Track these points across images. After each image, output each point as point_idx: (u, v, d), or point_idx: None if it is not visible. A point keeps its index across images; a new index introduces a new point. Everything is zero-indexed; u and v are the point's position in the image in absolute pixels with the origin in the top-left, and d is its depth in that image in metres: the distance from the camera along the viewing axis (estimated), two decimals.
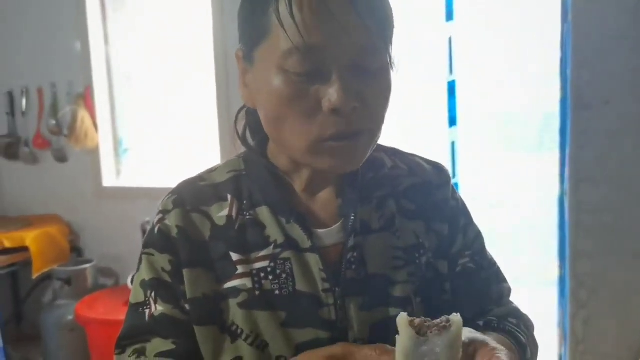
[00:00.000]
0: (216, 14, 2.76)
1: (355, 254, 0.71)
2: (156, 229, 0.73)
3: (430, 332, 0.52)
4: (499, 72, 2.60)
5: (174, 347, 0.70)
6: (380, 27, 0.63)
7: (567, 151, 2.32)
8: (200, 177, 0.77)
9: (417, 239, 0.76)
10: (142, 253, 0.74)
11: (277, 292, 0.69)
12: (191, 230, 0.72)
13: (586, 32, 2.21)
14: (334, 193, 0.75)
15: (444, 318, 0.53)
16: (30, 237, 2.86)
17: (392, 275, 0.72)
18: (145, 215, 2.97)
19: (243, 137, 0.78)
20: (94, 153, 3.10)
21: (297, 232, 0.71)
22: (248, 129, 0.79)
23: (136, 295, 0.74)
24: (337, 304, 0.70)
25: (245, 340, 0.69)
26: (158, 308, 0.72)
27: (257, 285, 0.70)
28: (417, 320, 0.52)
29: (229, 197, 0.74)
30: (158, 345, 0.71)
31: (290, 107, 0.64)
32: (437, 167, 0.83)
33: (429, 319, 0.53)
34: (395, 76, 0.68)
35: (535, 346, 0.78)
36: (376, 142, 0.69)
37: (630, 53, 2.16)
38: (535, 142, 2.56)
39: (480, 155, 2.60)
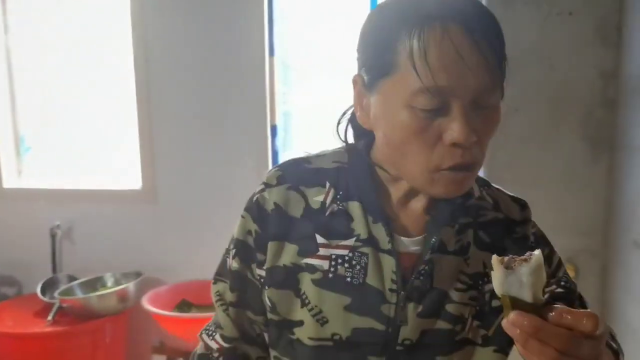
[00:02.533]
0: (135, 2, 2.63)
1: (426, 267, 0.77)
2: (255, 198, 0.83)
3: (515, 265, 0.61)
4: None
5: (235, 299, 0.85)
6: (499, 65, 0.68)
7: None
8: (307, 160, 0.84)
9: (484, 268, 0.81)
10: (241, 213, 0.84)
11: (348, 279, 0.77)
12: (286, 207, 0.80)
13: None
14: (424, 208, 0.80)
15: (527, 253, 0.62)
16: None
17: (452, 295, 0.79)
18: (54, 219, 2.79)
19: (345, 137, 0.86)
20: None
21: (380, 232, 0.78)
22: (353, 132, 0.87)
23: (229, 242, 0.87)
24: (399, 304, 0.77)
25: (310, 311, 0.78)
26: (234, 264, 0.84)
27: (332, 269, 0.78)
28: (505, 258, 0.62)
29: (328, 184, 0.81)
30: (225, 291, 0.86)
31: (414, 139, 0.69)
32: (521, 204, 0.88)
33: (517, 256, 0.62)
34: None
35: (622, 352, 0.83)
36: None
37: (537, 66, 2.38)
38: None
39: None
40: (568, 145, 2.43)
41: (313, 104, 2.75)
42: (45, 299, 2.52)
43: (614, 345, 0.81)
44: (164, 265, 2.73)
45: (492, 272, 0.63)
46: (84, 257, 2.80)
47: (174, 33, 2.65)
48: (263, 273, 0.81)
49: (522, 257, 0.61)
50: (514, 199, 0.88)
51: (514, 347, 0.84)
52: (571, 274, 2.44)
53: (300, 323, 0.79)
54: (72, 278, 2.70)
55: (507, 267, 0.61)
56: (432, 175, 0.71)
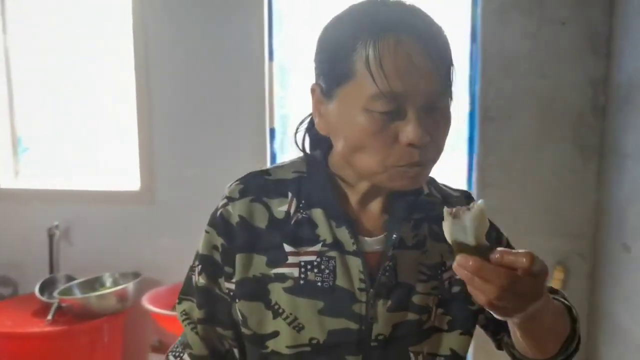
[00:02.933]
0: (136, 5, 2.65)
1: (390, 263, 0.82)
2: (218, 213, 0.84)
3: (460, 214, 0.68)
4: None
5: (203, 316, 0.86)
6: (448, 72, 0.74)
7: (474, 158, 2.57)
8: (267, 172, 0.87)
9: (441, 258, 0.86)
10: (205, 228, 0.86)
11: (319, 283, 0.80)
12: (251, 219, 0.83)
13: (492, 53, 2.47)
14: (381, 208, 0.85)
15: (472, 204, 0.69)
16: None
17: (416, 286, 0.84)
18: (52, 219, 2.80)
19: (303, 147, 0.90)
20: None
21: (344, 235, 0.81)
22: (309, 141, 0.91)
23: (193, 259, 0.88)
24: (369, 302, 0.81)
25: (285, 319, 0.80)
26: (200, 280, 0.85)
27: (302, 275, 0.80)
28: (453, 209, 0.69)
29: (290, 194, 0.84)
30: (192, 309, 0.87)
31: (372, 140, 0.74)
32: (465, 195, 0.95)
33: (463, 207, 0.69)
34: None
35: (577, 313, 0.88)
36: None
37: (530, 73, 2.45)
38: (448, 147, 2.80)
39: None
40: (559, 150, 2.50)
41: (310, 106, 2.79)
42: (44, 299, 2.53)
43: (566, 302, 0.88)
44: (161, 266, 2.75)
45: (443, 222, 0.69)
46: (82, 258, 2.82)
47: (174, 36, 2.68)
48: (232, 286, 0.83)
49: (466, 207, 0.68)
50: (458, 191, 0.95)
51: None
52: (561, 276, 2.51)
53: (275, 334, 0.81)
54: (70, 278, 2.71)
55: (455, 216, 0.69)
56: (389, 172, 0.76)
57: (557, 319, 0.80)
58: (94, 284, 2.62)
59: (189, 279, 0.89)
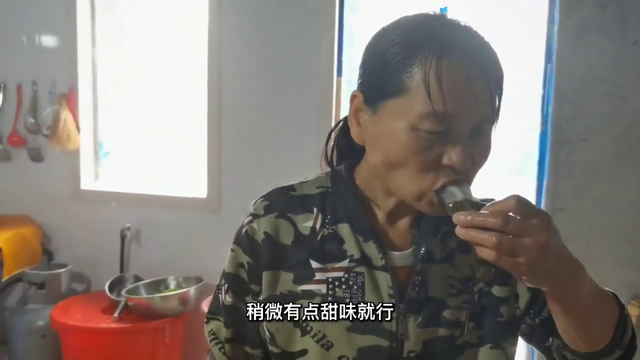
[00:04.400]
0: (213, 21, 2.77)
1: (419, 278, 0.80)
2: (244, 230, 0.84)
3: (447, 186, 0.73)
4: None
5: (231, 335, 0.85)
6: (500, 97, 0.73)
7: (544, 182, 2.47)
8: (291, 188, 0.87)
9: (471, 270, 0.84)
10: (231, 247, 0.85)
11: (347, 300, 0.79)
12: (276, 236, 0.82)
13: (568, 73, 2.37)
14: (409, 223, 0.84)
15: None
16: (2, 238, 2.77)
17: (447, 300, 0.82)
18: (125, 221, 2.94)
19: (330, 161, 0.89)
20: (73, 155, 3.04)
21: (372, 250, 0.80)
22: (336, 152, 0.89)
23: (220, 277, 0.88)
24: (399, 318, 0.79)
25: (313, 337, 0.79)
26: (227, 299, 0.85)
27: (330, 292, 0.79)
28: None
29: (315, 210, 0.84)
30: (220, 329, 0.86)
31: (414, 158, 0.72)
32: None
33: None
34: None
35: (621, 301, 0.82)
36: None
37: (608, 95, 2.34)
38: (514, 171, 2.71)
39: None
40: (637, 177, 2.36)
41: None
42: (113, 297, 2.66)
43: (609, 290, 0.82)
44: None
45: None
46: (149, 259, 2.94)
47: (246, 50, 2.77)
48: (257, 303, 0.82)
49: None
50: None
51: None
52: (636, 312, 2.35)
53: (304, 352, 0.80)
54: (137, 278, 2.84)
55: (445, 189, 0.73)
56: (424, 195, 0.74)
57: (599, 297, 0.75)
58: (158, 285, 2.72)
59: (216, 298, 0.88)
